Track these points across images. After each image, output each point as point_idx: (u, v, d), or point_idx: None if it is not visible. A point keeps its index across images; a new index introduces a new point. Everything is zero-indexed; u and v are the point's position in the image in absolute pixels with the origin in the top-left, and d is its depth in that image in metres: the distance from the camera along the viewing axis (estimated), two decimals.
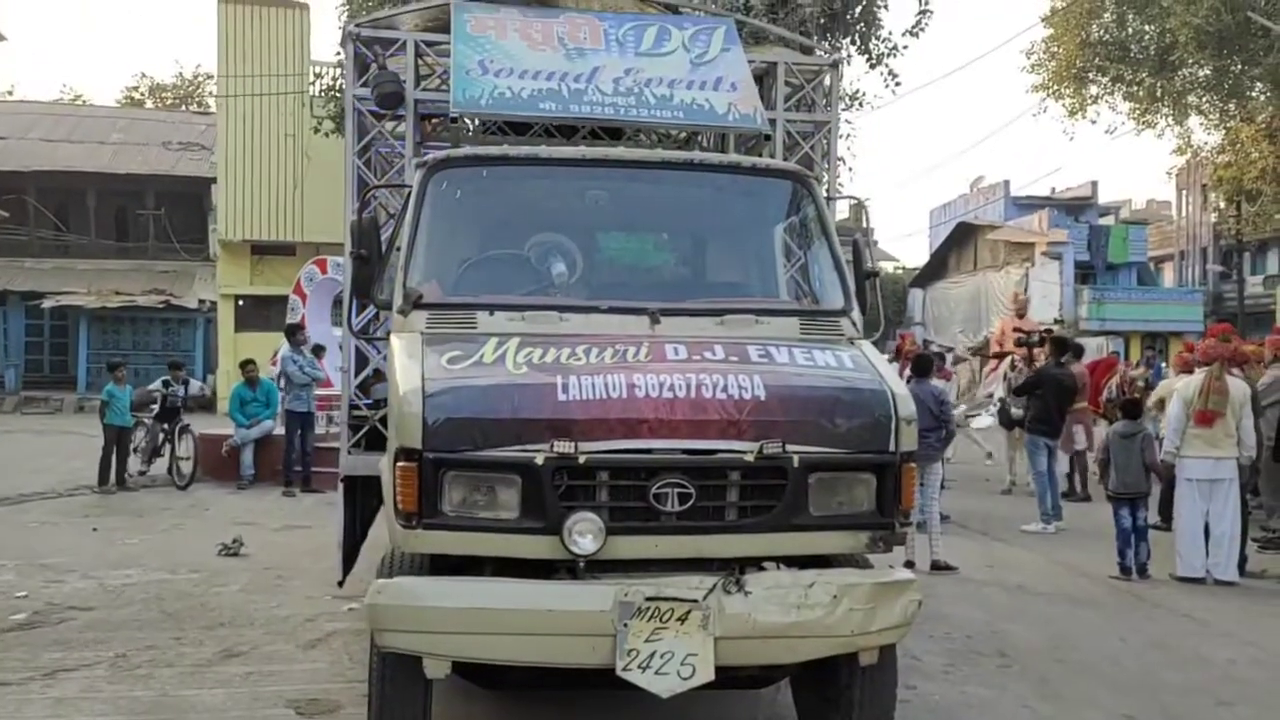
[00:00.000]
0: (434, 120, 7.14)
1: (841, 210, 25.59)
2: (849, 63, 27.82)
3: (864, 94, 26.45)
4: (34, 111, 36.05)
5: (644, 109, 5.48)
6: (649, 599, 3.98)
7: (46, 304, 29.01)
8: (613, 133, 5.92)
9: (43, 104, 39.09)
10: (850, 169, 27.81)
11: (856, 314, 5.00)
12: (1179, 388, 9.44)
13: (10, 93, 47.46)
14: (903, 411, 4.33)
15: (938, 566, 9.06)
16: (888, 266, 38.44)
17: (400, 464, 4.01)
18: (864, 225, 6.12)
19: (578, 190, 5.10)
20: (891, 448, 4.28)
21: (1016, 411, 12.51)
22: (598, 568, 4.14)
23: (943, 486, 10.76)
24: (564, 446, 3.98)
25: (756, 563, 4.34)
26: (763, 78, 6.54)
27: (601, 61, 5.74)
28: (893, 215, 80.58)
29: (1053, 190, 44.80)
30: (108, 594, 7.85)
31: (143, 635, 6.67)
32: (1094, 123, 37.39)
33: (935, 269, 44.40)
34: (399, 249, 4.84)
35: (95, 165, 31.23)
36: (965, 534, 11.09)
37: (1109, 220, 43.03)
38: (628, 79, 5.66)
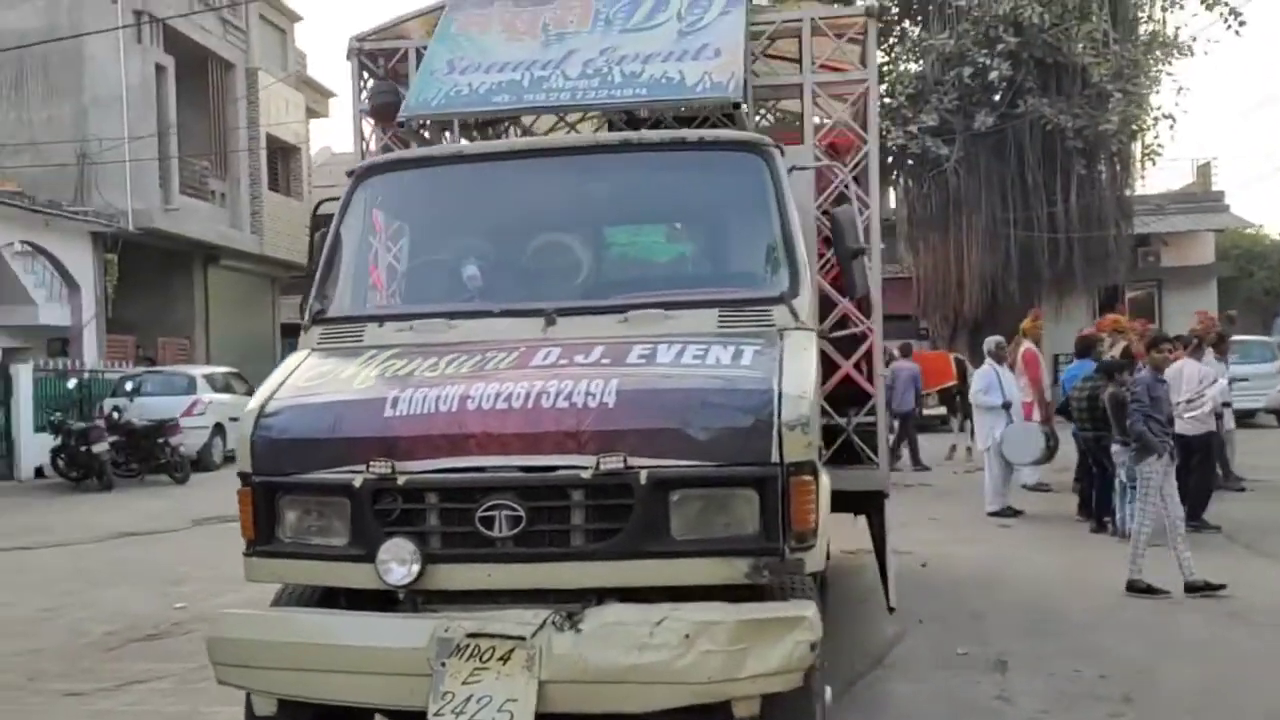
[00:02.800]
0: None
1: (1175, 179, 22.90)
2: (1181, 5, 25.08)
3: (1193, 40, 23.79)
4: None
5: (606, 89, 4.99)
6: (470, 635, 3.56)
7: None
8: (632, 121, 5.47)
9: None
10: (1173, 124, 25.18)
11: (803, 300, 4.29)
12: None
13: None
14: (789, 415, 3.61)
15: (1136, 589, 7.69)
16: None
17: (238, 489, 3.88)
18: (857, 197, 5.23)
19: (510, 185, 4.73)
20: (774, 458, 3.59)
21: None
22: (443, 600, 3.78)
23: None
24: (381, 467, 3.66)
25: (630, 595, 3.74)
26: (798, 38, 5.84)
27: (579, 44, 5.32)
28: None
29: None
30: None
31: None
32: None
33: None
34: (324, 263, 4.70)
35: None
36: (1225, 548, 9.39)
37: None
38: (600, 59, 5.19)
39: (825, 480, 4.09)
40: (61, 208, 19.76)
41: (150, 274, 22.39)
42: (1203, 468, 10.48)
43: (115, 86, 20.92)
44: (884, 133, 23.97)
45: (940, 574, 8.75)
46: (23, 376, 17.85)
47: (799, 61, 5.87)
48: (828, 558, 7.26)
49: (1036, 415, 12.30)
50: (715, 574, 3.63)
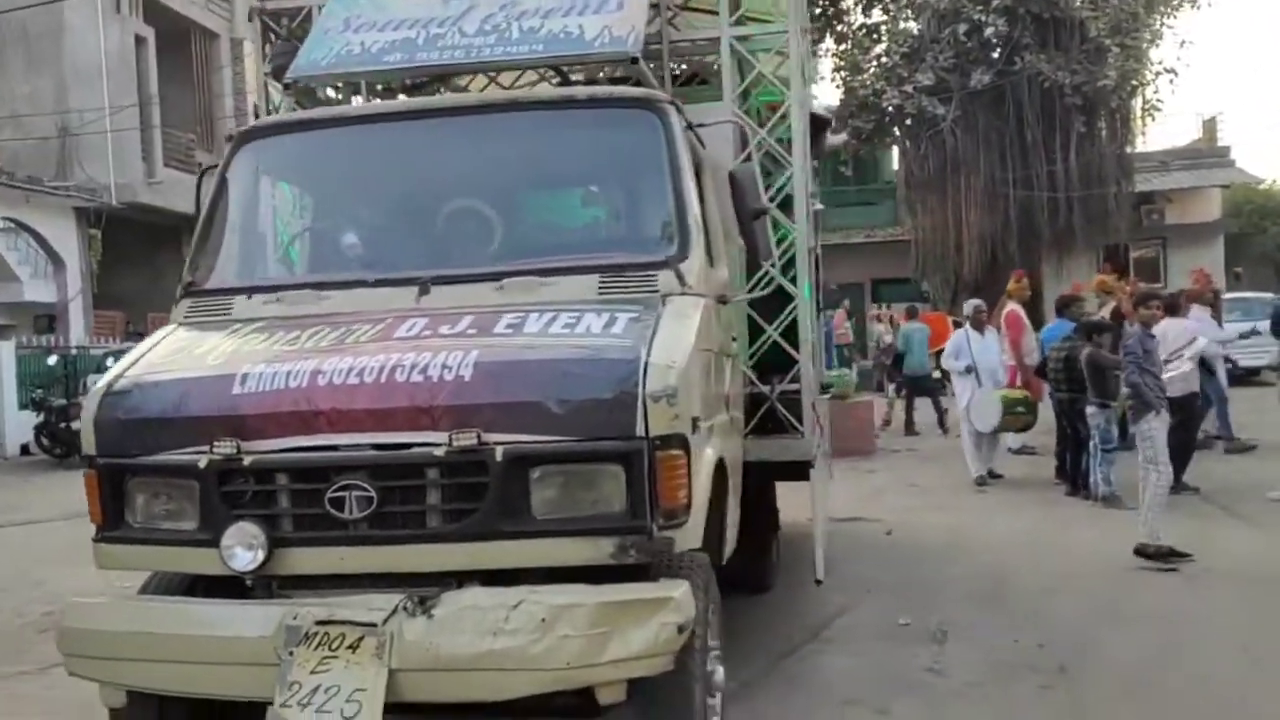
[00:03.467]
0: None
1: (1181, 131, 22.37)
2: None
3: None
4: None
5: (503, 46, 4.75)
6: (320, 623, 3.39)
7: None
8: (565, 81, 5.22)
9: None
10: (1173, 79, 24.66)
11: (693, 264, 4.08)
12: None
13: None
14: (654, 386, 3.41)
15: (1158, 554, 7.25)
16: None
17: (84, 472, 3.70)
18: (751, 154, 4.96)
19: (393, 148, 4.52)
20: (639, 431, 3.39)
21: None
22: (304, 586, 3.61)
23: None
24: (226, 447, 3.49)
25: (505, 578, 3.54)
26: None
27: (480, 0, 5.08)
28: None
29: None
30: None
31: None
32: None
33: None
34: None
35: None
36: (1199, 510, 9.13)
37: None
38: (499, 15, 4.95)
39: (710, 453, 3.89)
40: (43, 183, 19.58)
41: (137, 249, 22.23)
42: (1184, 429, 10.22)
43: (95, 58, 20.67)
44: (879, 93, 23.69)
45: (904, 542, 8.57)
46: (4, 354, 17.78)
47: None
48: (775, 529, 7.15)
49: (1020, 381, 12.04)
50: (579, 554, 3.44)
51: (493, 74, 6.09)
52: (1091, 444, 9.70)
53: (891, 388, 18.77)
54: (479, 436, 3.37)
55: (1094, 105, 23.44)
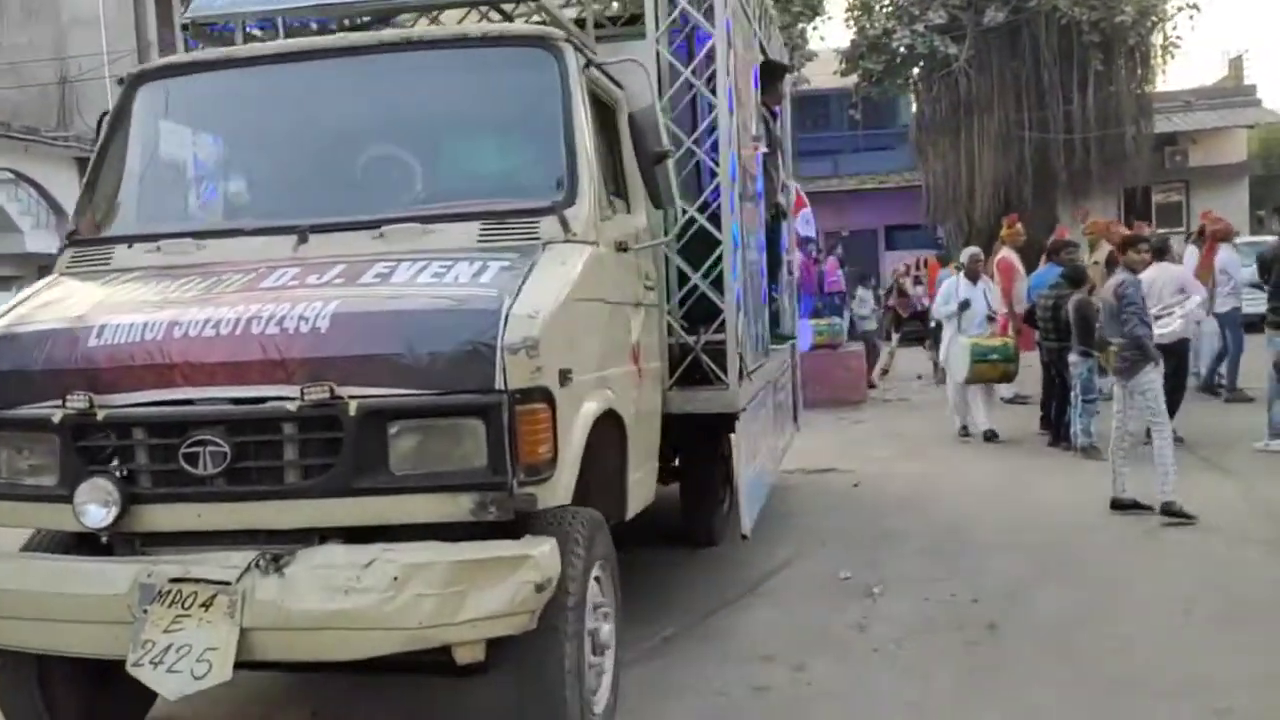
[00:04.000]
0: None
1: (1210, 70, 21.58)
2: None
3: None
4: None
5: None
6: (173, 580, 3.34)
7: None
8: None
9: None
10: (1193, 15, 23.91)
11: (580, 210, 3.95)
12: None
13: None
14: (513, 337, 3.31)
15: (1170, 510, 6.96)
16: None
17: None
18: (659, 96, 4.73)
19: (281, 91, 4.38)
20: (498, 384, 3.29)
21: None
22: (165, 543, 3.56)
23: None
24: (79, 401, 3.41)
25: (375, 534, 3.45)
26: None
27: None
28: None
29: None
30: None
31: None
32: None
33: None
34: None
35: None
36: (1179, 460, 8.87)
37: None
38: None
39: (591, 406, 3.79)
40: (40, 133, 19.52)
41: None
42: (1175, 375, 9.96)
43: (93, 5, 20.51)
44: (889, 33, 23.17)
45: (870, 493, 8.45)
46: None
47: None
48: (726, 481, 7.02)
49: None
50: (438, 511, 3.36)
51: (434, 14, 5.94)
52: (1072, 394, 9.49)
53: (897, 337, 18.56)
54: (332, 390, 3.28)
55: (1112, 43, 22.81)
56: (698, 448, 6.17)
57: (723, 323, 5.26)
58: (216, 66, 4.41)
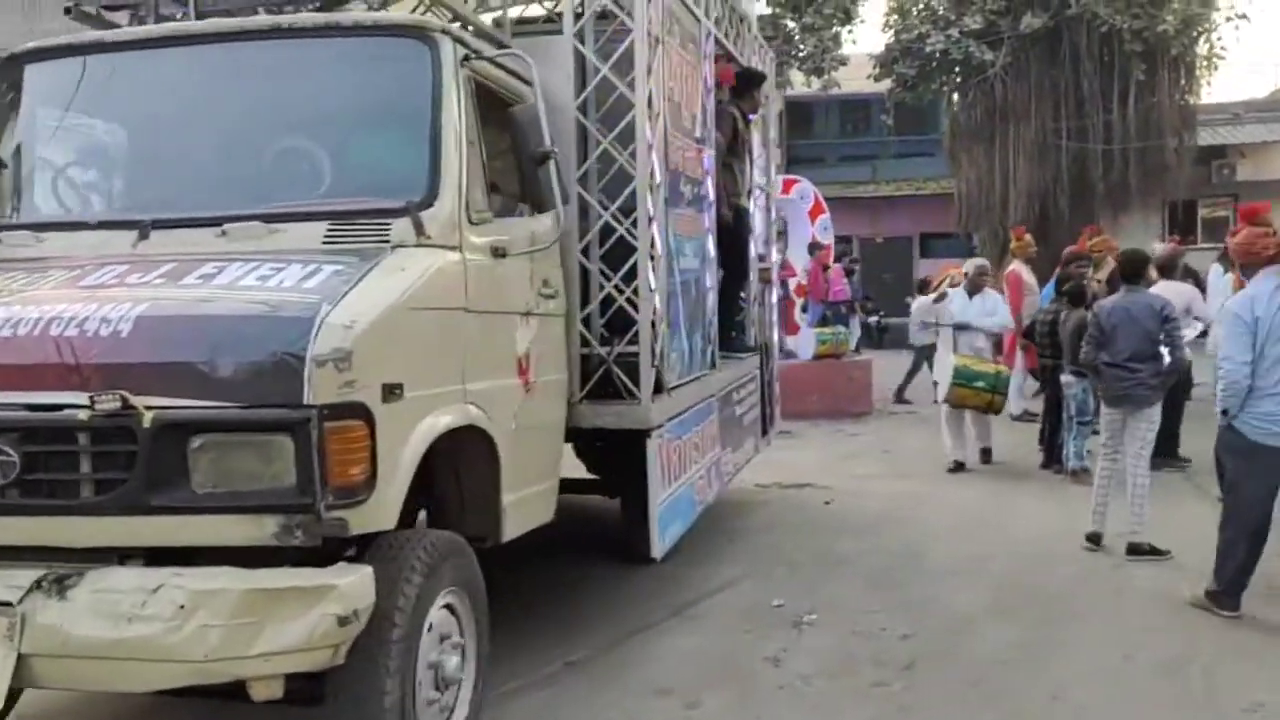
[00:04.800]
0: None
1: None
2: None
3: None
4: None
5: None
6: None
7: None
8: None
9: None
10: (1238, 26, 23.08)
11: (440, 212, 3.71)
12: None
13: None
14: (321, 348, 3.05)
15: (1139, 550, 6.50)
16: None
17: None
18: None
19: (144, 78, 4.18)
20: (306, 398, 3.04)
21: None
22: None
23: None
24: None
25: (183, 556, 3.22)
26: None
27: None
28: None
29: None
30: None
31: None
32: None
33: None
34: None
35: None
36: (1176, 489, 8.46)
37: None
38: None
39: (431, 423, 3.53)
40: None
41: None
42: (1175, 393, 9.45)
43: None
44: (923, 37, 22.67)
45: (839, 512, 8.11)
46: None
47: None
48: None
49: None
50: (242, 534, 3.12)
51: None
52: (1065, 415, 9.06)
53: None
54: (125, 399, 3.04)
55: (1154, 52, 22.12)
56: (630, 462, 5.87)
57: (638, 334, 4.97)
58: (84, 51, 4.20)
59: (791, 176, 18.25)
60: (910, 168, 30.23)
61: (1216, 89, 32.00)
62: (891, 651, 5.00)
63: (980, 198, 23.97)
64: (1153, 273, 8.33)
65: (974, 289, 10.92)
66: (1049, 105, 22.89)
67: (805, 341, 13.23)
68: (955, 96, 24.26)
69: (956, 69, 23.29)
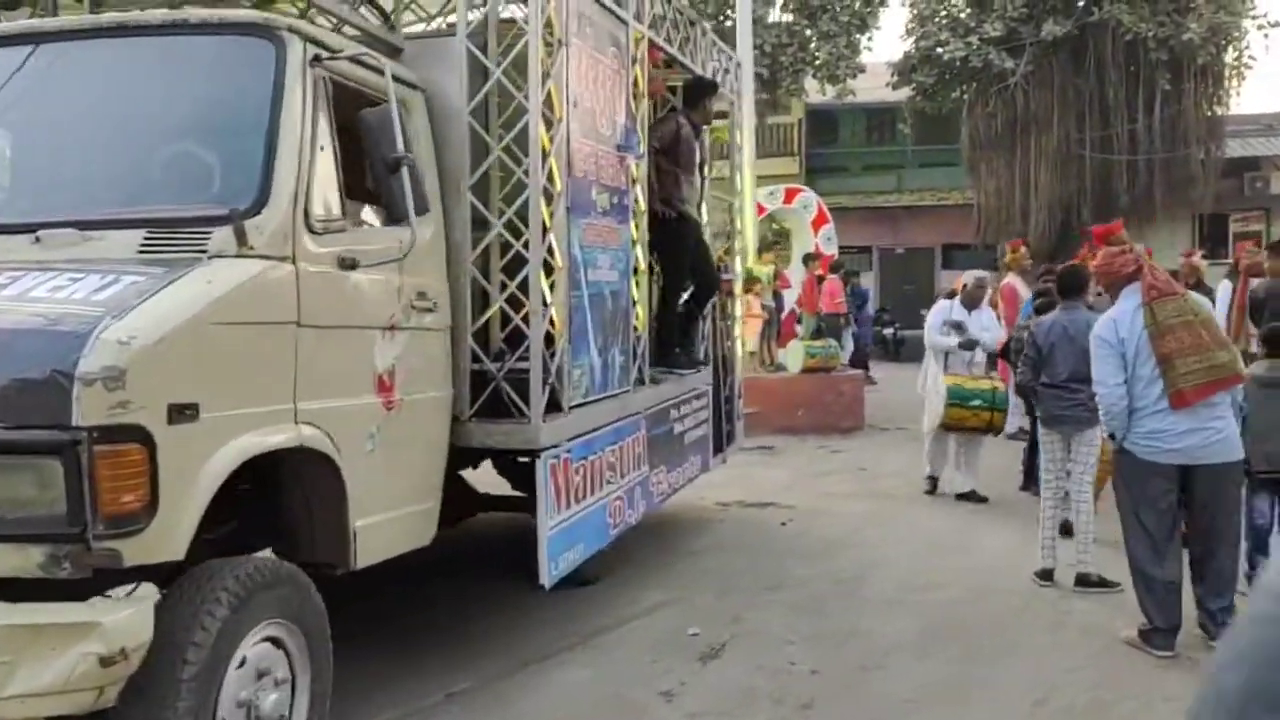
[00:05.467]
0: None
1: None
2: None
3: None
4: None
5: None
6: None
7: None
8: None
9: None
10: (1267, 34, 22.47)
11: (268, 221, 3.51)
12: None
13: None
14: (90, 366, 2.85)
15: (1087, 581, 6.14)
16: None
17: None
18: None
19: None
20: (75, 419, 2.84)
21: None
22: None
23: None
24: None
25: None
26: None
27: None
28: None
29: None
30: None
31: None
32: None
33: None
34: None
35: None
36: None
37: None
38: None
39: (234, 448, 3.31)
40: None
41: None
42: None
43: None
44: (942, 44, 22.29)
45: (793, 534, 7.81)
46: None
47: None
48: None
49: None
50: (6, 564, 2.92)
51: None
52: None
53: None
54: None
55: (1180, 61, 21.59)
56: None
57: (530, 348, 4.74)
58: None
59: (795, 186, 18.02)
60: (934, 177, 29.77)
61: (1248, 99, 31.07)
62: (794, 688, 4.73)
63: (1000, 209, 23.52)
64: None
65: (971, 302, 10.47)
66: (1072, 114, 22.42)
67: (793, 354, 12.91)
68: (974, 105, 23.79)
69: (975, 77, 22.89)
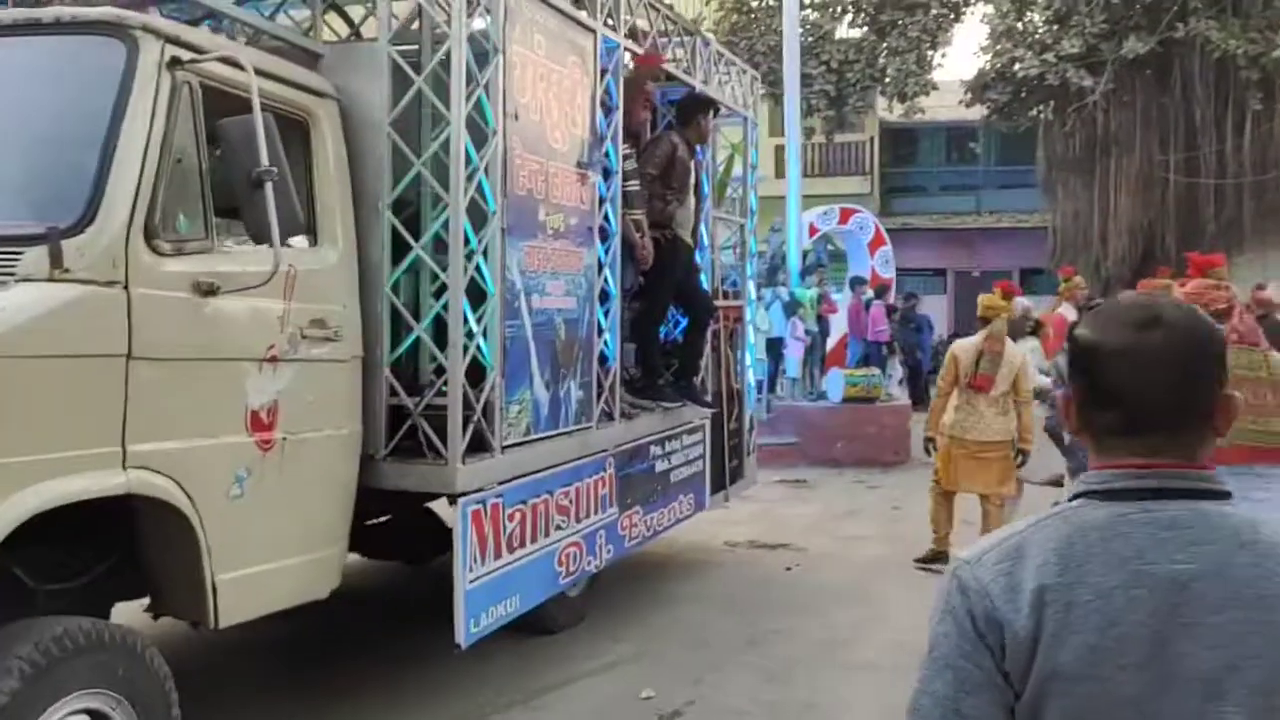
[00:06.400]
0: None
1: None
2: None
3: None
4: None
5: None
6: None
7: None
8: None
9: None
10: None
11: (95, 240, 3.14)
12: None
13: None
14: None
15: None
16: None
17: None
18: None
19: None
20: None
21: None
22: None
23: None
24: None
25: None
26: None
27: None
28: None
29: None
30: None
31: None
32: None
33: None
34: None
35: None
36: None
37: None
38: None
39: (25, 498, 2.93)
40: None
41: None
42: None
43: None
44: (1018, 59, 21.43)
45: (795, 581, 7.27)
46: None
47: None
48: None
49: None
50: None
51: None
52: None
53: None
54: None
55: (1273, 80, 20.44)
56: None
57: (449, 381, 4.32)
58: None
59: (850, 206, 17.37)
60: (1013, 199, 28.79)
61: None
62: None
63: (1077, 233, 22.55)
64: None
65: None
66: (1155, 135, 21.38)
67: (835, 383, 12.31)
68: (1051, 124, 22.88)
69: (1053, 95, 21.99)
